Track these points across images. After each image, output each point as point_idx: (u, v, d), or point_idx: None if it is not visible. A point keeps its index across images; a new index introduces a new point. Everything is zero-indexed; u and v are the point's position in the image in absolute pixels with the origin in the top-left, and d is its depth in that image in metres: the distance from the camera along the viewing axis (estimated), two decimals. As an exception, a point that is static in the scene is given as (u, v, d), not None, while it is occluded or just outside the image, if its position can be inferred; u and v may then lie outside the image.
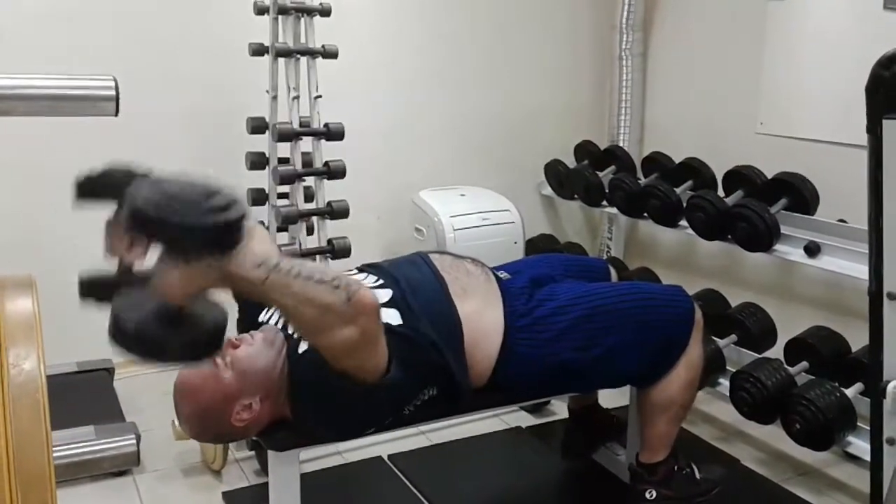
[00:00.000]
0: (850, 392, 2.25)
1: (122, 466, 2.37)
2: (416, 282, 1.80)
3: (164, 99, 2.94)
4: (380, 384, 1.55)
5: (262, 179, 2.86)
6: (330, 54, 2.75)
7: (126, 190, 1.15)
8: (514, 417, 2.75)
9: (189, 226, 1.13)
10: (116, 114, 1.12)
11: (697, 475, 2.08)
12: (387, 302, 1.72)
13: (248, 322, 1.81)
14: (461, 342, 1.78)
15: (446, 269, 1.88)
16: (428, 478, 2.40)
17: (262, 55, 2.74)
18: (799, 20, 2.90)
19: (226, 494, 2.30)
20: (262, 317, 1.79)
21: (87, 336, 2.90)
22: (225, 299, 1.34)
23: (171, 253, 1.18)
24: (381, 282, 1.79)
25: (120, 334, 1.18)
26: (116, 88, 1.10)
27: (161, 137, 2.97)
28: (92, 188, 1.23)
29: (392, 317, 1.69)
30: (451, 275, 1.86)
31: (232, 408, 1.60)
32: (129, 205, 1.13)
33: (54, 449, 0.90)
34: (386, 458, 2.49)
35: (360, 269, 1.90)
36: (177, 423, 2.16)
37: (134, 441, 2.35)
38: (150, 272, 1.20)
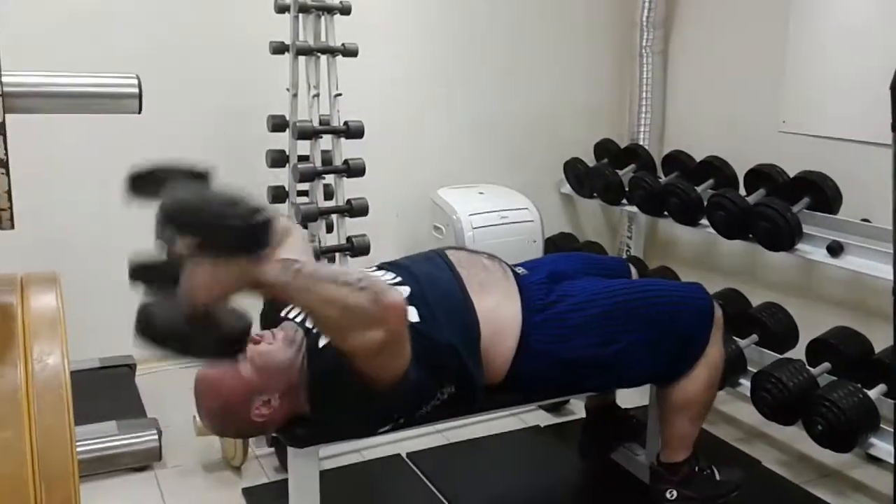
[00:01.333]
0: (872, 393, 2.23)
1: (144, 462, 2.39)
2: (434, 278, 1.80)
3: (184, 97, 2.96)
4: (398, 385, 1.55)
5: (282, 177, 2.87)
6: (350, 52, 2.76)
7: (166, 187, 1.23)
8: (533, 416, 2.75)
9: (222, 225, 1.20)
10: (139, 111, 1.13)
11: (718, 476, 2.07)
12: (406, 298, 1.72)
13: (272, 317, 1.82)
14: (478, 339, 1.77)
15: (463, 265, 1.87)
16: (446, 476, 2.40)
17: (283, 53, 2.75)
18: (823, 17, 2.87)
19: (245, 491, 2.31)
20: (285, 312, 1.80)
21: (110, 332, 2.94)
22: (251, 298, 1.38)
23: (202, 252, 1.24)
24: (398, 279, 1.79)
25: (147, 330, 1.22)
26: (139, 86, 1.11)
27: (182, 135, 2.99)
28: (142, 184, 1.30)
29: (411, 314, 1.69)
30: (468, 270, 1.86)
31: (251, 403, 1.61)
32: (166, 203, 1.21)
33: (77, 444, 0.91)
34: (405, 455, 2.49)
35: (380, 267, 1.90)
36: (198, 418, 2.18)
37: (155, 436, 2.37)
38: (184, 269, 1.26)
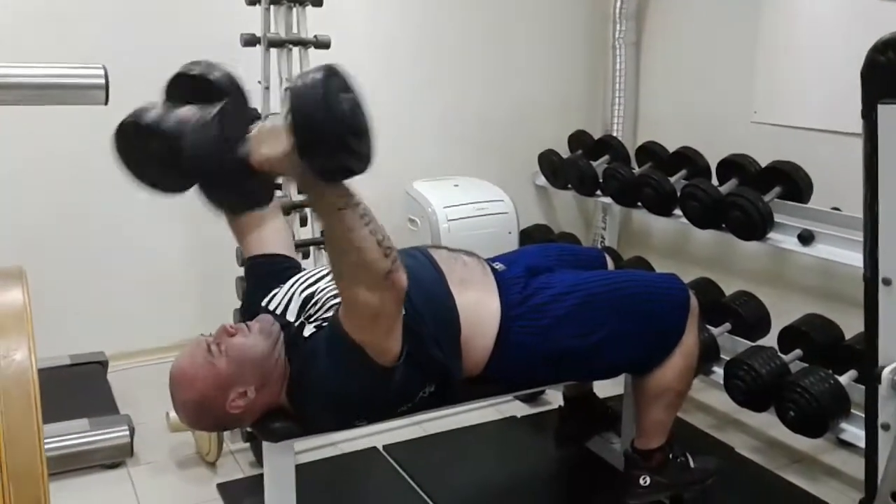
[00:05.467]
0: (843, 379, 2.26)
1: (116, 458, 2.36)
2: (417, 273, 1.80)
3: (155, 91, 2.91)
4: (389, 372, 1.58)
5: (254, 170, 2.84)
6: (322, 44, 2.73)
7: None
8: (509, 407, 2.76)
9: (344, 152, 1.25)
10: (106, 102, 1.11)
11: (692, 464, 2.08)
12: None
13: (249, 309, 1.82)
14: (458, 334, 1.78)
15: (444, 262, 1.88)
16: (423, 468, 2.40)
17: (254, 45, 2.71)
18: (793, 8, 2.89)
19: (220, 486, 2.29)
20: (264, 302, 1.79)
21: (81, 329, 2.91)
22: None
23: (298, 146, 1.25)
24: None
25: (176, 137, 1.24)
26: (106, 76, 1.09)
27: (152, 129, 2.96)
28: (186, 85, 1.37)
29: None
30: (449, 266, 1.87)
31: (227, 395, 1.60)
32: (311, 96, 1.23)
33: (47, 441, 0.89)
34: (381, 448, 2.49)
35: None
36: (172, 414, 2.16)
37: (127, 433, 2.34)
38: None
